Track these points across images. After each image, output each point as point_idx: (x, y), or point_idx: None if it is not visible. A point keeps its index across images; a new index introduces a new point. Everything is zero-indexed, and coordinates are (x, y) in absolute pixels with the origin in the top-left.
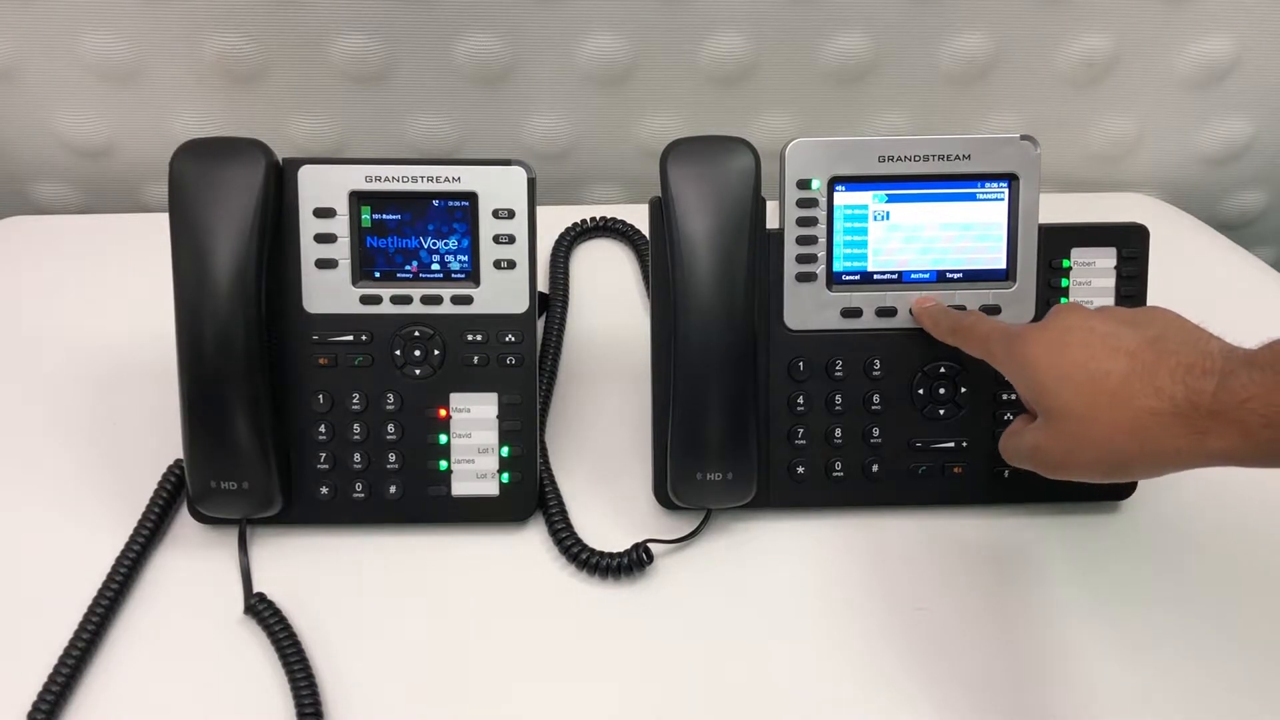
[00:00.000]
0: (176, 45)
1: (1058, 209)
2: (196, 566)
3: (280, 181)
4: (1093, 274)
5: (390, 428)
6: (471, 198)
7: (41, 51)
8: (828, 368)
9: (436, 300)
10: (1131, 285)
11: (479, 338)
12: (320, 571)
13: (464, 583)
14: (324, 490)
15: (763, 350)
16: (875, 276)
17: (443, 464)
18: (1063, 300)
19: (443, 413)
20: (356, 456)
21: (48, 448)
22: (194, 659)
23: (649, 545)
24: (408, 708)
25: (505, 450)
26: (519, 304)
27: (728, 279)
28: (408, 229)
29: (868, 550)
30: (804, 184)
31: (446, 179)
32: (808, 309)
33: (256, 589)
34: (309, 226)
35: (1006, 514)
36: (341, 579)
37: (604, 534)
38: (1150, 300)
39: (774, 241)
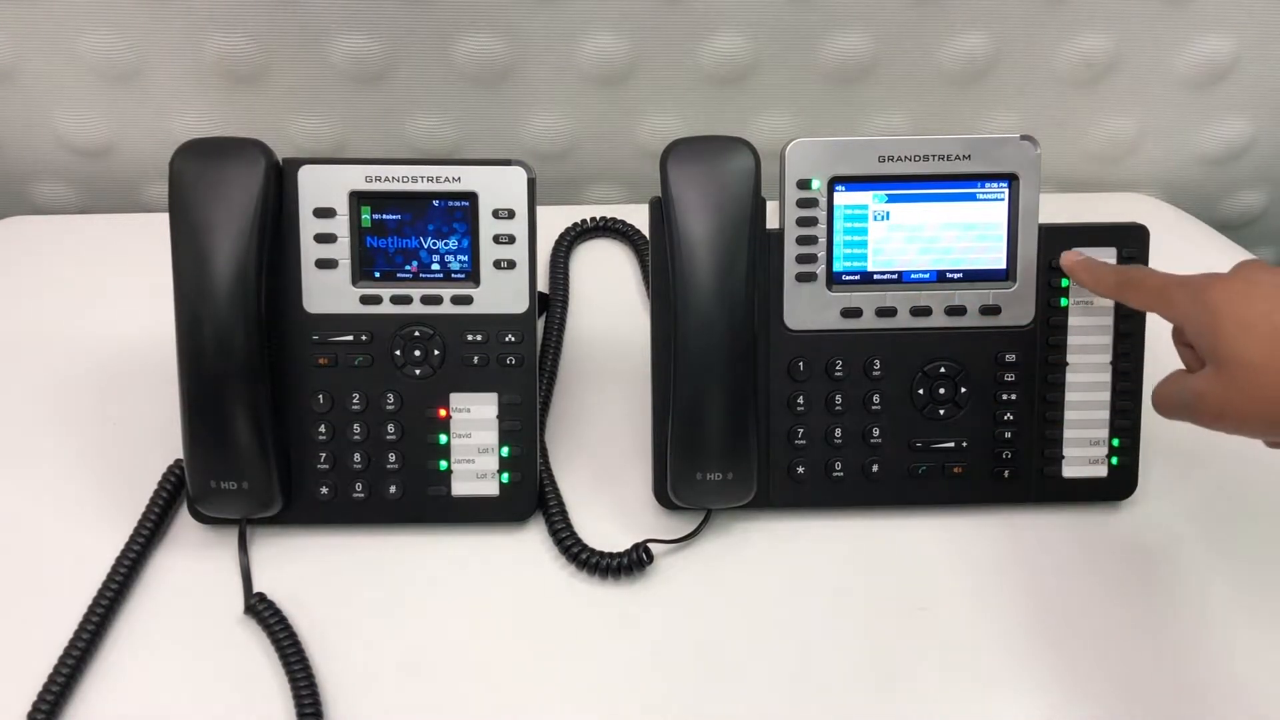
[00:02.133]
0: (176, 45)
1: (1058, 209)
2: (196, 566)
3: (280, 181)
4: None
5: (390, 428)
6: (471, 198)
7: (41, 51)
8: (828, 368)
9: (436, 300)
10: None
11: (479, 338)
12: (320, 571)
13: (464, 583)
14: (324, 490)
15: (763, 350)
16: (875, 276)
17: (443, 464)
18: (1063, 301)
19: (443, 413)
20: (356, 456)
21: (48, 447)
22: (194, 659)
23: (649, 545)
24: (408, 708)
25: (505, 450)
26: (519, 304)
27: (728, 279)
28: (408, 229)
29: (868, 550)
30: (804, 184)
31: (446, 179)
32: (808, 309)
33: (256, 589)
34: (309, 226)
35: (1006, 514)
36: (341, 579)
37: (604, 534)
38: None
39: (774, 241)
